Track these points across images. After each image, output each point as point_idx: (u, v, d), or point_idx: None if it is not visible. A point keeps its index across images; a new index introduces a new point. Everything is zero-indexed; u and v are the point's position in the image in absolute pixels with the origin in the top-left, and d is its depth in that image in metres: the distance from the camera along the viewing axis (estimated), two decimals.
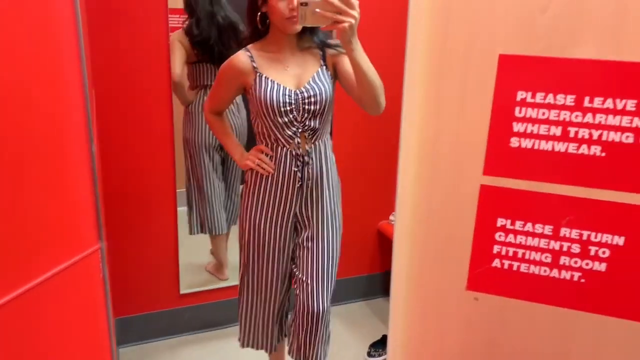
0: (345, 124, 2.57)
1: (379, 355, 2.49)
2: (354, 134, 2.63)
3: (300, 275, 1.77)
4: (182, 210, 2.65)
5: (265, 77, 1.62)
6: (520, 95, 0.94)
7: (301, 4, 1.36)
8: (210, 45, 2.38)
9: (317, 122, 1.63)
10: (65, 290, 0.94)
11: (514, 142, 0.96)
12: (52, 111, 0.87)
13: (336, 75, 1.67)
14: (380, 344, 2.53)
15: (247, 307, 1.89)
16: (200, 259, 2.88)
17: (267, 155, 1.68)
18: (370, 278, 2.96)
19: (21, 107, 0.81)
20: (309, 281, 1.74)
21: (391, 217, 2.79)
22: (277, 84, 1.61)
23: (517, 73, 0.93)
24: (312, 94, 1.59)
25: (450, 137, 0.99)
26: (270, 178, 1.69)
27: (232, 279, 2.76)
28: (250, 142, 2.67)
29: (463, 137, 0.98)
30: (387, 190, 2.79)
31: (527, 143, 0.96)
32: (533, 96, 0.94)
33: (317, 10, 1.34)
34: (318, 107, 1.60)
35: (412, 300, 1.09)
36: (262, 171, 1.69)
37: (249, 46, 1.67)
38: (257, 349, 1.94)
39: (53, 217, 0.90)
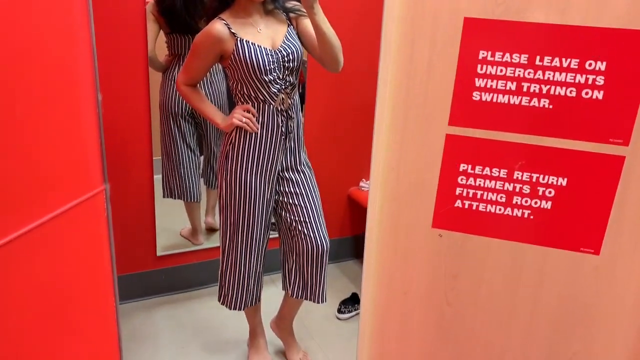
0: (317, 90, 2.67)
1: (349, 312, 2.63)
2: (325, 101, 2.73)
3: (298, 218, 1.88)
4: (158, 177, 2.70)
5: (246, 41, 1.70)
6: (482, 54, 1.08)
7: None
8: (177, 14, 2.41)
9: (294, 77, 1.77)
10: (74, 227, 1.03)
11: (476, 95, 1.10)
12: (63, 58, 0.95)
13: (299, 35, 1.80)
14: (350, 301, 2.68)
15: (231, 265, 1.96)
16: (176, 223, 2.95)
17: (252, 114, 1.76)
18: (340, 241, 3.09)
19: (34, 53, 0.88)
20: (310, 221, 1.87)
21: (361, 184, 2.93)
22: (258, 45, 1.70)
23: (480, 34, 1.07)
24: (289, 51, 1.72)
25: (420, 91, 1.12)
26: (256, 136, 1.77)
27: (206, 242, 2.84)
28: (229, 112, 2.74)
29: (431, 92, 1.12)
30: (358, 157, 2.91)
31: (487, 97, 1.10)
32: (492, 55, 1.07)
33: None
34: (295, 63, 1.73)
35: (384, 238, 1.23)
36: (248, 128, 1.76)
37: (221, 15, 1.74)
38: (240, 308, 2.02)
39: (63, 157, 0.99)
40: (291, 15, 1.79)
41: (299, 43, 1.76)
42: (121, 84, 2.42)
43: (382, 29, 1.10)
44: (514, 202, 1.15)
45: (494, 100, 1.10)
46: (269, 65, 1.70)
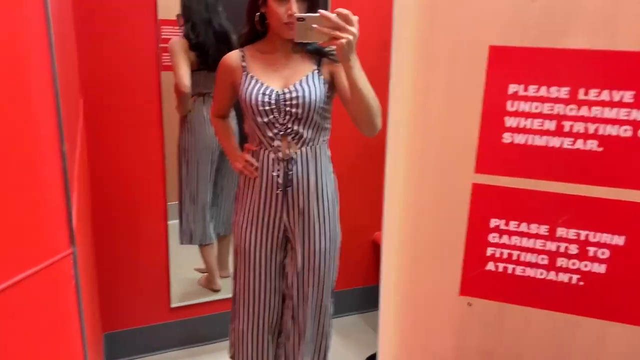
0: (340, 132, 2.53)
1: None
2: (348, 143, 2.59)
3: (292, 303, 1.74)
4: (172, 223, 2.60)
5: (251, 76, 1.60)
6: (512, 88, 0.90)
7: (298, 19, 1.33)
8: (207, 50, 2.37)
9: (303, 126, 1.58)
10: (33, 298, 0.88)
11: (507, 137, 0.92)
12: (19, 109, 0.83)
13: (334, 85, 1.61)
14: (376, 358, 2.46)
15: (237, 320, 1.83)
16: (191, 272, 2.82)
17: (253, 156, 1.65)
18: (365, 290, 2.90)
19: None
20: (299, 318, 1.73)
21: None
22: (261, 83, 1.58)
23: (509, 65, 0.89)
24: (294, 95, 1.55)
25: (439, 133, 0.94)
26: (254, 182, 1.66)
27: (224, 291, 2.70)
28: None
29: (452, 133, 0.94)
30: (382, 202, 2.74)
31: (520, 138, 0.91)
32: (525, 89, 0.89)
33: (314, 26, 1.31)
34: (301, 110, 1.55)
35: (403, 308, 1.03)
36: (247, 173, 1.67)
37: (246, 47, 1.66)
38: None
39: (19, 217, 0.85)
40: (325, 60, 1.61)
41: (319, 91, 1.57)
42: (135, 126, 2.34)
43: (391, 60, 0.94)
44: (558, 264, 0.95)
45: (529, 142, 0.91)
46: (263, 105, 1.56)
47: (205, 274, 2.78)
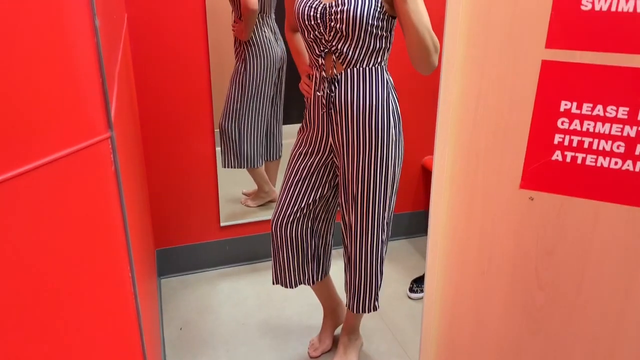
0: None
1: (421, 291, 2.39)
2: (396, 64, 2.47)
3: (346, 231, 1.70)
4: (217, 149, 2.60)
5: None
6: None
7: None
8: None
9: (348, 45, 1.45)
10: (72, 180, 0.86)
11: (586, 3, 0.80)
12: None
13: (390, 2, 1.44)
14: (423, 280, 2.43)
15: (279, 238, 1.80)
16: (238, 193, 2.84)
17: (309, 75, 1.60)
18: (413, 215, 2.84)
19: None
20: (358, 240, 1.67)
21: None
22: None
23: None
24: (339, 9, 1.41)
25: (507, 6, 0.83)
26: (309, 102, 1.61)
27: (263, 213, 2.74)
28: (290, 73, 2.56)
29: (521, 2, 0.82)
30: (433, 125, 2.62)
31: (602, 3, 0.79)
32: None
33: None
34: (345, 26, 1.41)
35: (456, 203, 0.96)
36: (303, 91, 1.62)
37: None
38: (288, 286, 1.83)
39: (56, 96, 0.82)
40: None
41: (372, 6, 1.40)
42: (179, 46, 2.30)
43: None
44: (637, 152, 0.84)
45: (612, 8, 0.79)
46: (309, 20, 1.45)
47: (249, 193, 2.79)
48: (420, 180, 2.76)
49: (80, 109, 0.85)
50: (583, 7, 0.79)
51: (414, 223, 2.85)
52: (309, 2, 1.47)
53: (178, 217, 2.58)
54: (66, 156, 0.83)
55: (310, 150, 1.68)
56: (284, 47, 2.51)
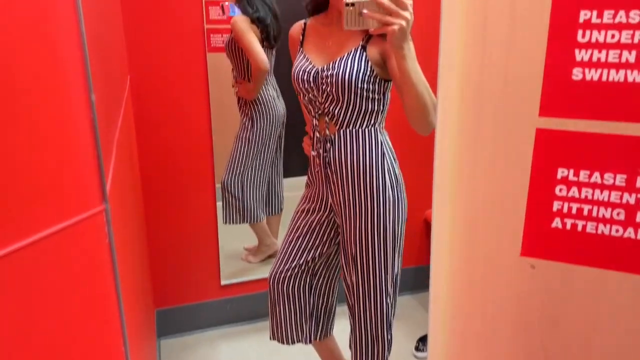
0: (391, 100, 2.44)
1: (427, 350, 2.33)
2: (396, 116, 2.49)
3: (349, 296, 1.67)
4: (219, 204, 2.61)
5: (302, 50, 1.54)
6: (584, 15, 0.78)
7: (347, 4, 1.22)
8: (268, 24, 2.34)
9: (339, 107, 1.48)
10: (66, 253, 0.85)
11: (577, 73, 0.80)
12: (48, 60, 0.79)
13: (382, 66, 1.46)
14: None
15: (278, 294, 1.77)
16: (239, 249, 2.82)
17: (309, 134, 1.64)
18: (418, 270, 2.80)
19: (15, 53, 0.73)
20: (362, 308, 1.64)
21: None
22: (307, 58, 1.52)
23: None
24: (328, 73, 1.45)
25: (497, 69, 0.84)
26: (310, 160, 1.64)
27: (264, 270, 2.71)
28: (289, 127, 2.59)
29: (514, 70, 0.83)
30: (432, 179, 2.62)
31: (592, 74, 0.79)
32: (599, 15, 0.77)
33: (365, 11, 1.21)
34: (334, 89, 1.45)
35: (457, 270, 0.94)
36: (305, 151, 1.66)
37: (311, 17, 1.61)
38: (285, 342, 1.77)
39: (50, 171, 0.82)
40: (377, 37, 1.44)
41: (359, 70, 1.42)
42: (181, 107, 2.34)
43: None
44: (638, 219, 0.82)
45: (604, 78, 0.79)
46: (303, 83, 1.49)
47: (251, 248, 2.77)
48: (424, 234, 2.74)
49: (75, 183, 0.85)
50: (574, 77, 0.80)
51: (419, 278, 2.81)
52: (304, 67, 1.50)
53: (178, 276, 2.55)
54: (59, 231, 0.82)
55: (312, 208, 1.67)
56: (284, 104, 2.56)
